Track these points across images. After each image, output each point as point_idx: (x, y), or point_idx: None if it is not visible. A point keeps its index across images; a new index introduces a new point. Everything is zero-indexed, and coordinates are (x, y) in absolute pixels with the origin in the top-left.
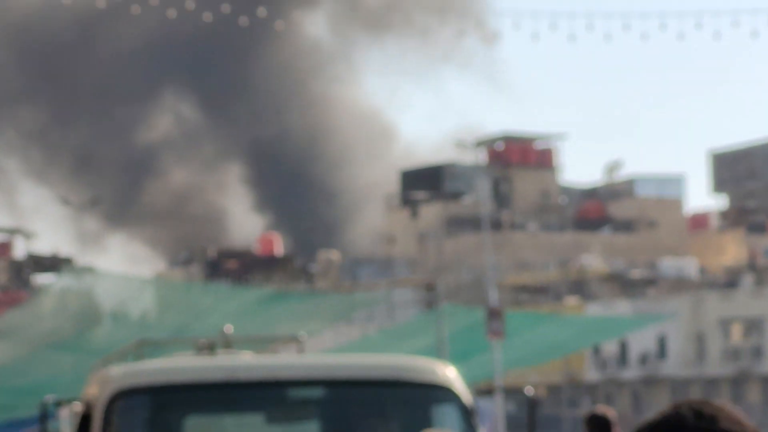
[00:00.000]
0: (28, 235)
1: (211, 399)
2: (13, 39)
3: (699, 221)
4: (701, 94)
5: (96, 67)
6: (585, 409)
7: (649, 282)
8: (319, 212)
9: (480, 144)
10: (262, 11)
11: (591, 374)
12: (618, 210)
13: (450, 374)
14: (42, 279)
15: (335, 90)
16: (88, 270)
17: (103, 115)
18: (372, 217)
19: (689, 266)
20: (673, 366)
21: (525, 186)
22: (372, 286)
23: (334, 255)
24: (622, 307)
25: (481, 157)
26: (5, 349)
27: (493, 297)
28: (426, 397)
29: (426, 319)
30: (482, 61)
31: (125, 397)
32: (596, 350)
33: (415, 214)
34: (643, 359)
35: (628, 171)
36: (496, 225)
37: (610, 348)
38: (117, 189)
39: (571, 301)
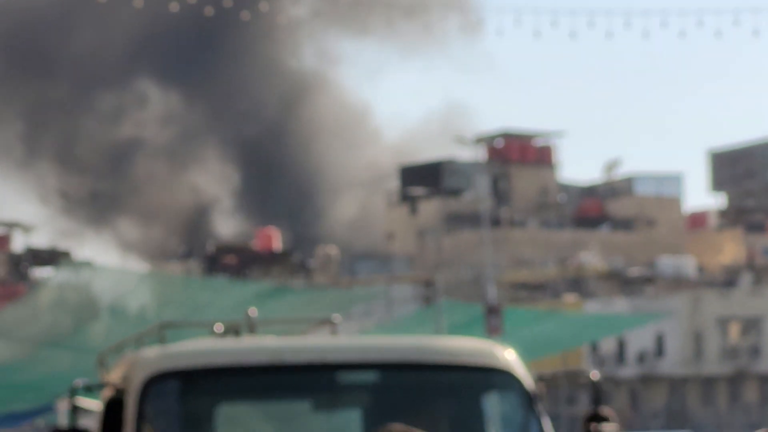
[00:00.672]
0: (26, 229)
1: (254, 383)
2: None
3: (697, 220)
4: (701, 92)
5: (76, 54)
6: (583, 406)
7: (648, 280)
8: (304, 202)
9: (479, 141)
10: None
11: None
12: (617, 208)
13: (510, 357)
14: (40, 273)
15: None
16: (86, 264)
17: (82, 104)
18: (349, 205)
19: (687, 265)
20: (671, 364)
21: (524, 183)
22: (370, 282)
23: (333, 250)
24: (620, 305)
25: (480, 153)
26: (3, 345)
27: (492, 294)
28: (486, 381)
29: (424, 315)
30: (481, 57)
31: (163, 381)
32: (594, 348)
33: (414, 210)
34: (641, 357)
35: (627, 169)
36: (495, 222)
37: (608, 346)
38: (100, 182)
39: (570, 298)
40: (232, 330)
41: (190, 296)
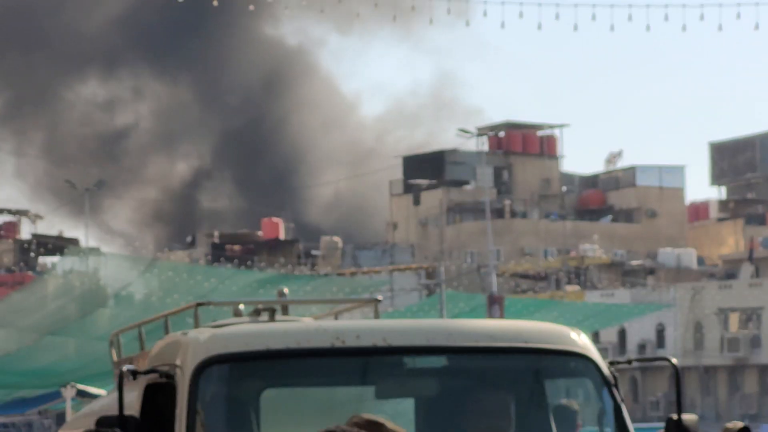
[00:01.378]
0: (34, 217)
1: (315, 368)
2: None
3: (699, 211)
4: (703, 84)
5: (63, 38)
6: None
7: (649, 271)
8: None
9: (482, 132)
10: None
11: None
12: (618, 199)
13: (586, 340)
14: (48, 260)
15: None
16: (94, 251)
17: (67, 90)
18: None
19: (688, 256)
20: (671, 355)
21: (526, 174)
22: (374, 271)
23: (337, 240)
24: (621, 295)
25: (483, 144)
26: (11, 332)
27: (494, 284)
28: (563, 366)
29: (427, 305)
30: (486, 48)
31: (220, 364)
32: (595, 338)
33: (417, 200)
34: (642, 348)
35: (629, 160)
36: (497, 212)
37: (609, 336)
38: (93, 169)
39: (571, 289)
40: (267, 311)
41: (195, 284)
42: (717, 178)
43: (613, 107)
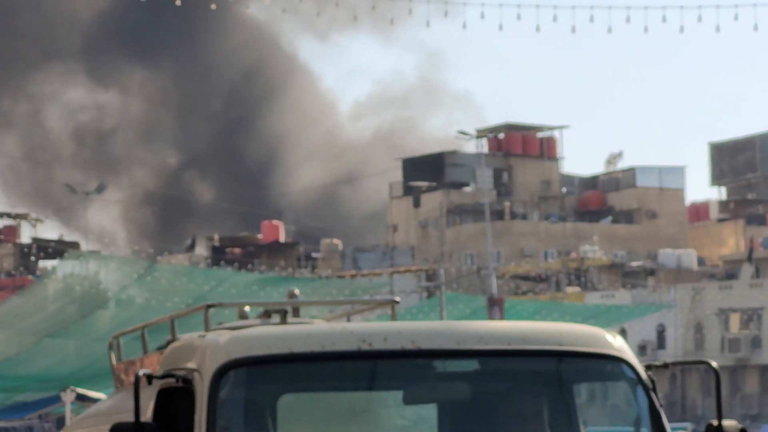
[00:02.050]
0: (34, 221)
1: (340, 372)
2: None
3: (699, 212)
4: (703, 85)
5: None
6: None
7: (649, 272)
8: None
9: (482, 133)
10: None
11: None
12: (618, 200)
13: (622, 343)
14: (48, 264)
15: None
16: (94, 254)
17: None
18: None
19: (689, 257)
20: (672, 356)
21: (526, 176)
22: (374, 274)
23: (337, 242)
24: (622, 296)
25: (482, 146)
26: (11, 336)
27: (494, 286)
28: (600, 370)
29: (427, 307)
30: (486, 51)
31: (241, 368)
32: None
33: (417, 202)
34: (642, 349)
35: (629, 162)
36: (497, 214)
37: None
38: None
39: (571, 290)
40: (278, 313)
41: (195, 286)
42: (717, 178)
43: (613, 108)
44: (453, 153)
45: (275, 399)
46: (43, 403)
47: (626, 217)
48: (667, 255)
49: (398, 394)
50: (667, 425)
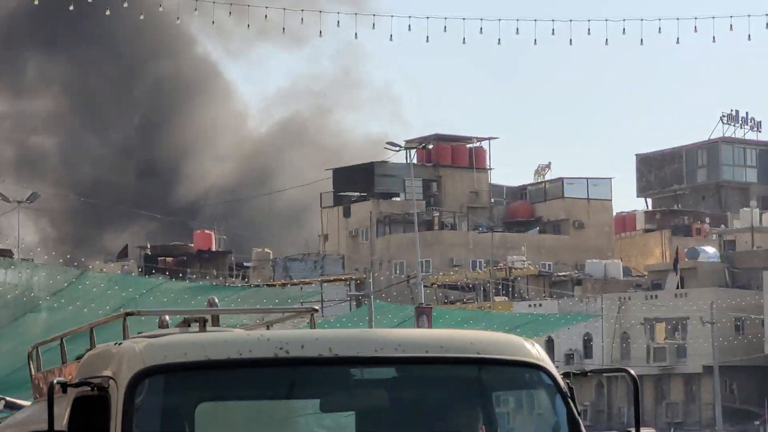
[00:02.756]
0: None
1: (258, 379)
2: None
3: (626, 223)
4: (630, 97)
5: None
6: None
7: (576, 282)
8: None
9: (411, 144)
10: None
11: None
12: (546, 211)
13: (541, 351)
14: None
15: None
16: (26, 262)
17: None
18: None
19: (615, 267)
20: (599, 364)
21: (455, 186)
22: (304, 282)
23: (269, 251)
24: (549, 306)
25: (412, 156)
26: None
27: (422, 295)
28: (518, 378)
29: (356, 316)
30: (413, 62)
31: (158, 376)
32: None
33: (347, 212)
34: (570, 357)
35: (557, 173)
36: (427, 224)
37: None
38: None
39: (499, 299)
40: (197, 321)
41: (127, 294)
42: (643, 189)
43: (542, 120)
44: (383, 164)
45: (192, 407)
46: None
47: (554, 227)
48: (594, 265)
49: (316, 402)
50: None
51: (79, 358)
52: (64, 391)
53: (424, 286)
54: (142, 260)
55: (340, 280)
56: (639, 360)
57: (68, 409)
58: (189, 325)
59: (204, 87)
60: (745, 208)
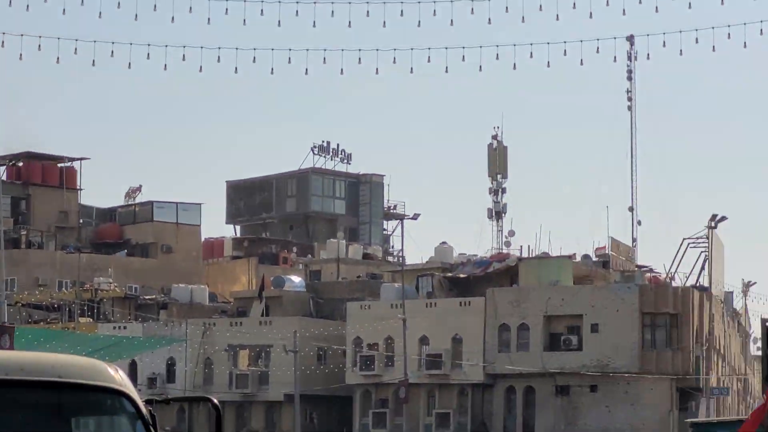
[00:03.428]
0: None
1: None
2: None
3: (214, 249)
4: (221, 125)
5: None
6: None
7: (162, 305)
8: None
9: (0, 161)
10: None
11: None
12: (135, 233)
13: (123, 376)
14: None
15: None
16: None
17: None
18: None
19: (201, 292)
20: (181, 389)
21: (45, 205)
22: None
23: None
24: (134, 329)
25: (1, 173)
26: None
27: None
28: (100, 403)
29: None
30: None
31: None
32: None
33: None
34: (152, 381)
35: (148, 196)
36: (14, 242)
37: (120, 369)
38: None
39: (84, 320)
40: None
41: None
42: (233, 216)
43: (134, 143)
44: None
45: None
46: None
47: (142, 250)
48: (180, 290)
49: None
50: None
51: None
52: None
53: (8, 305)
54: None
55: None
56: (222, 386)
57: None
58: None
59: None
60: (332, 239)
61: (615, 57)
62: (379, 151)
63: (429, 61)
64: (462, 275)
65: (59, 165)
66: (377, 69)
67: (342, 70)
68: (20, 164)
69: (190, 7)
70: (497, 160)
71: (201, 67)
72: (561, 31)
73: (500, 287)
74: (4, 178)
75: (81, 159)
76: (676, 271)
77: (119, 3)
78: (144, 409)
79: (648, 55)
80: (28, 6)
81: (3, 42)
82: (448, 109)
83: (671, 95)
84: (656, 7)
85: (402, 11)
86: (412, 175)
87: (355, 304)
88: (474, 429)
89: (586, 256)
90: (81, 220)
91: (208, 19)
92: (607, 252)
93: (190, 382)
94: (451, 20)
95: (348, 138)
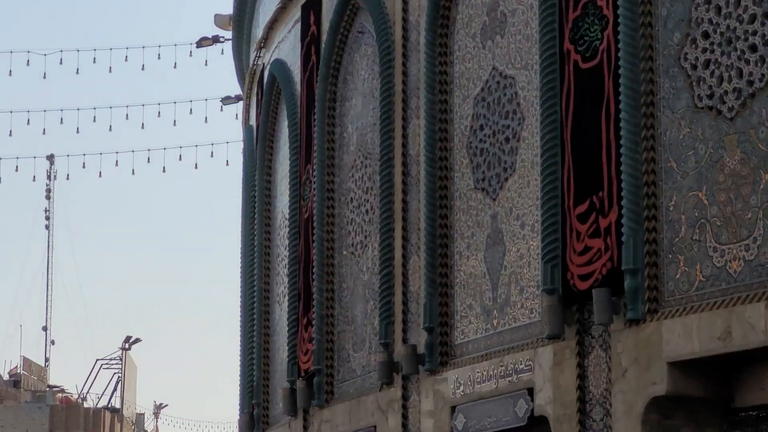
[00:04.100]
0: None
1: None
2: None
3: None
4: None
5: None
6: None
7: None
8: None
9: None
10: None
11: None
12: None
13: None
14: None
15: None
16: None
17: None
18: None
19: None
20: None
21: None
22: None
23: None
24: None
25: None
26: None
27: None
28: None
29: None
30: None
31: None
32: None
33: None
34: None
35: None
36: None
37: None
38: None
39: None
40: None
41: None
42: None
43: None
44: None
45: None
46: None
47: None
48: None
49: None
50: None
51: None
52: None
53: None
54: None
55: None
56: None
57: None
58: None
59: None
60: None
61: (34, 176)
62: None
63: None
64: None
65: None
66: None
67: None
68: None
69: None
70: None
71: None
72: None
73: None
74: None
75: None
76: (88, 391)
77: None
78: None
79: (68, 175)
80: None
81: None
82: None
83: (91, 215)
84: (77, 129)
85: None
86: None
87: None
88: None
89: None
90: None
91: None
92: (19, 371)
93: None
94: None
95: None
